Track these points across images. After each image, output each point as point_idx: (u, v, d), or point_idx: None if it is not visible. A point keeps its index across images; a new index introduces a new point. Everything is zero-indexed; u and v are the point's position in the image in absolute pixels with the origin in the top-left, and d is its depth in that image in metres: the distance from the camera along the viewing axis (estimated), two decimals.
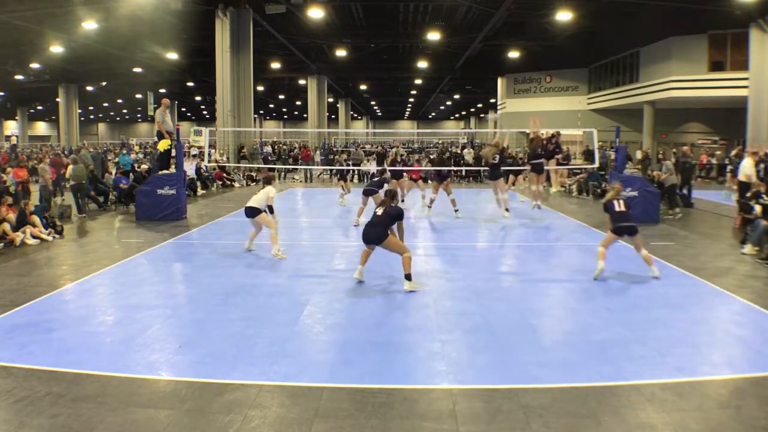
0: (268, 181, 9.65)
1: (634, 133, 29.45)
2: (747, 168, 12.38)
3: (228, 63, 21.91)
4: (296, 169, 25.78)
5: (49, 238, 10.46)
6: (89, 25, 21.94)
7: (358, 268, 7.57)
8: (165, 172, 13.49)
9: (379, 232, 7.21)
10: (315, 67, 36.50)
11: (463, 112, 73.22)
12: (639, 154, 21.19)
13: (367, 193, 12.07)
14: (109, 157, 24.97)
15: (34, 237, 10.26)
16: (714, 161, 25.31)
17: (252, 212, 9.08)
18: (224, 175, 21.34)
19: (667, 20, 24.20)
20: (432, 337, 5.58)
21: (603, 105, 32.80)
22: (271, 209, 9.05)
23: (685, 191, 15.34)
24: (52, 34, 24.88)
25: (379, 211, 7.30)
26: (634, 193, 12.67)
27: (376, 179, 12.72)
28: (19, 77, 36.08)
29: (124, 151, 23.00)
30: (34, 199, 13.04)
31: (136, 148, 39.05)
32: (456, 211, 13.28)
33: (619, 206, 8.00)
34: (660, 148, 25.95)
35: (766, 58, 19.34)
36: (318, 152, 28.00)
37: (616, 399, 4.30)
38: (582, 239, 11.01)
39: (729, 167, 19.77)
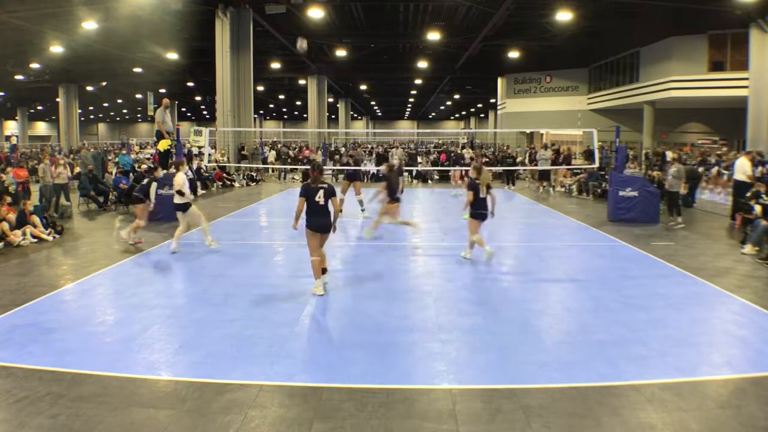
0: (177, 167, 9.69)
1: (634, 133, 29.45)
2: (745, 167, 12.38)
3: (228, 63, 21.91)
4: (296, 169, 25.77)
5: (49, 238, 10.47)
6: (89, 25, 21.91)
7: (317, 282, 6.99)
8: (165, 172, 13.47)
9: (329, 220, 7.00)
10: (315, 67, 36.48)
11: (463, 112, 73.25)
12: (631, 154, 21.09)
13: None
14: (109, 157, 24.98)
15: (34, 237, 10.27)
16: (712, 161, 25.27)
17: (184, 207, 9.36)
18: (224, 175, 21.34)
19: (667, 20, 24.21)
20: (432, 337, 5.58)
21: (603, 105, 32.79)
22: (180, 193, 9.36)
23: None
24: (52, 34, 24.86)
25: (321, 200, 6.89)
26: (634, 193, 12.68)
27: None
28: (19, 77, 36.05)
29: (124, 151, 23.01)
30: (34, 199, 13.04)
31: (136, 148, 39.05)
32: (363, 210, 13.14)
33: (483, 192, 8.61)
34: (662, 148, 25.95)
35: (766, 59, 19.32)
36: (319, 152, 27.98)
37: (616, 399, 4.30)
38: (582, 239, 11.01)
39: (715, 168, 19.80)
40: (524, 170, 23.20)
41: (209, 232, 9.86)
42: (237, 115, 22.66)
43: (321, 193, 6.89)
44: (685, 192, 12.94)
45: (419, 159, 27.17)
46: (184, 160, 10.46)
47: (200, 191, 18.45)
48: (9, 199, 10.74)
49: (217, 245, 9.67)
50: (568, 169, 20.02)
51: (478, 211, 8.69)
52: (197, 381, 4.59)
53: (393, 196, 10.47)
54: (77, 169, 19.28)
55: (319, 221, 6.95)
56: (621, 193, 12.74)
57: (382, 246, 10.18)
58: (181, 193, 9.30)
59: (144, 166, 17.75)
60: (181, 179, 9.36)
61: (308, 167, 12.81)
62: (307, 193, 6.92)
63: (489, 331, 5.77)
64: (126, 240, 9.85)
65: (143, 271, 8.37)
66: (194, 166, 19.53)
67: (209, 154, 20.38)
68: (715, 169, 18.37)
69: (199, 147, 23.12)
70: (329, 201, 6.95)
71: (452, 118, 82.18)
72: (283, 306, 6.61)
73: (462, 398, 4.34)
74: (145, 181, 10.39)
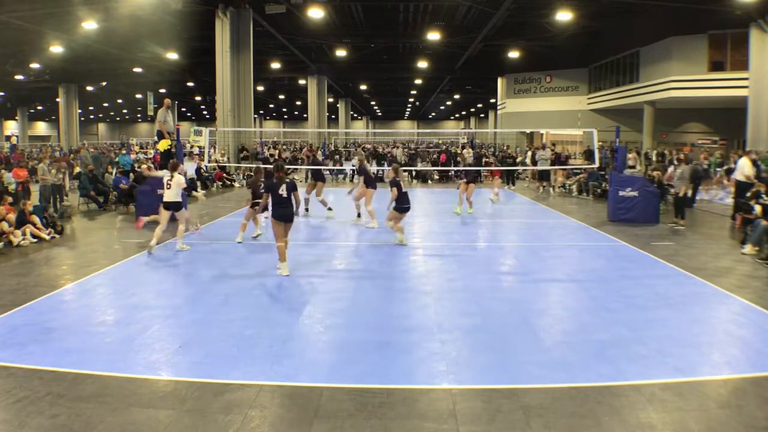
0: (174, 168, 9.53)
1: (634, 133, 29.47)
2: (745, 168, 12.38)
3: (228, 63, 21.91)
4: (297, 169, 25.78)
5: (48, 237, 10.45)
6: (89, 25, 21.92)
7: (283, 264, 7.88)
8: (165, 172, 13.47)
9: (291, 210, 7.86)
10: (315, 67, 36.49)
11: (463, 112, 73.26)
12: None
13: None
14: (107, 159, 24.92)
15: (34, 236, 10.27)
16: (712, 160, 25.28)
17: (175, 206, 9.34)
18: (224, 175, 21.33)
19: (667, 20, 24.22)
20: (432, 337, 5.58)
21: (603, 105, 32.80)
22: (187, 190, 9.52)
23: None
24: (52, 34, 24.87)
25: (284, 192, 7.73)
26: (634, 193, 12.67)
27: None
28: (19, 77, 36.07)
29: (123, 151, 22.99)
30: (34, 199, 13.04)
31: (136, 148, 39.06)
32: (329, 210, 13.31)
33: (405, 187, 9.53)
34: (661, 148, 25.94)
35: (766, 58, 19.34)
36: (319, 152, 28.00)
37: (616, 399, 4.30)
38: (582, 239, 11.01)
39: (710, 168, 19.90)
40: (524, 170, 23.21)
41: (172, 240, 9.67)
42: (237, 115, 22.66)
43: (284, 186, 7.77)
44: (688, 193, 12.92)
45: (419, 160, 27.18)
46: (179, 162, 10.57)
47: (200, 191, 18.46)
48: (10, 199, 10.71)
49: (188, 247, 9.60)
50: (564, 169, 20.02)
51: (402, 205, 9.83)
52: (197, 381, 4.58)
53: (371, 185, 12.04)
54: (77, 169, 19.29)
55: (282, 211, 7.82)
56: (621, 193, 12.74)
57: (382, 246, 10.18)
58: (186, 190, 9.50)
59: (144, 166, 17.75)
60: (182, 179, 9.52)
61: (307, 167, 12.97)
62: (271, 189, 7.83)
63: (489, 331, 5.77)
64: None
65: (143, 271, 8.37)
66: (194, 166, 19.54)
67: (209, 154, 20.36)
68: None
69: (200, 147, 23.12)
70: (291, 194, 7.84)
71: (452, 118, 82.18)
72: (283, 306, 6.61)
73: (462, 398, 4.34)
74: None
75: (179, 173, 9.62)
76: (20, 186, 13.78)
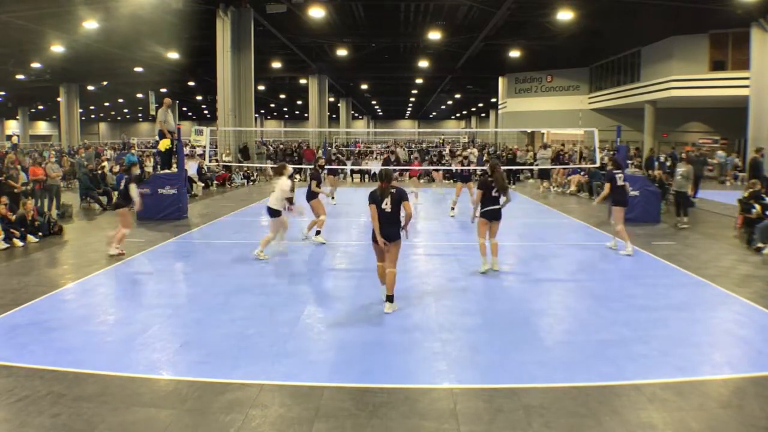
0: (279, 172, 8.97)
1: (635, 133, 29.43)
2: None
3: (229, 62, 21.91)
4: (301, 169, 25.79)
5: (36, 239, 10.32)
6: (90, 24, 21.94)
7: (382, 289, 6.60)
8: (166, 171, 13.49)
9: (397, 229, 6.38)
10: (316, 67, 36.47)
11: (464, 112, 73.21)
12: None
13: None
14: (104, 162, 24.88)
15: (32, 235, 10.26)
16: (714, 161, 25.25)
17: (272, 213, 8.91)
18: (230, 175, 21.37)
19: (668, 20, 24.19)
20: (432, 337, 5.58)
21: (604, 104, 32.76)
22: (290, 201, 8.90)
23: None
24: (52, 34, 24.88)
25: (388, 207, 6.27)
26: (635, 193, 12.65)
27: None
28: (20, 77, 36.08)
29: (132, 151, 23.01)
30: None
31: (134, 149, 39.10)
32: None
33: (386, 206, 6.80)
34: (663, 148, 25.90)
35: (767, 58, 19.33)
36: (320, 152, 28.00)
37: (616, 398, 4.30)
38: (583, 238, 11.00)
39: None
40: (527, 170, 23.22)
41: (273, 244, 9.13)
42: (238, 114, 22.67)
43: (389, 203, 6.36)
44: (691, 194, 12.91)
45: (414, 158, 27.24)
46: (287, 164, 9.31)
47: (201, 190, 18.48)
48: (5, 199, 10.63)
49: (266, 257, 8.85)
50: (565, 168, 20.03)
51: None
52: (198, 380, 4.59)
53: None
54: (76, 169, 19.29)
55: (389, 230, 6.40)
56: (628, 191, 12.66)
57: None
58: (290, 200, 8.94)
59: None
60: (287, 185, 8.73)
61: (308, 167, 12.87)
62: (374, 200, 6.49)
63: (490, 331, 5.77)
64: (112, 253, 8.97)
65: (144, 271, 8.37)
66: (195, 165, 19.55)
67: (210, 155, 20.38)
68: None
69: (202, 146, 23.16)
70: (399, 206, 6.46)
71: (453, 117, 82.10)
72: (283, 305, 6.61)
73: (463, 398, 4.33)
74: (123, 183, 9.16)
75: (287, 176, 8.84)
76: (38, 184, 13.66)
